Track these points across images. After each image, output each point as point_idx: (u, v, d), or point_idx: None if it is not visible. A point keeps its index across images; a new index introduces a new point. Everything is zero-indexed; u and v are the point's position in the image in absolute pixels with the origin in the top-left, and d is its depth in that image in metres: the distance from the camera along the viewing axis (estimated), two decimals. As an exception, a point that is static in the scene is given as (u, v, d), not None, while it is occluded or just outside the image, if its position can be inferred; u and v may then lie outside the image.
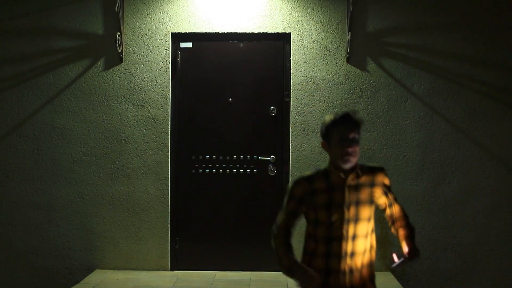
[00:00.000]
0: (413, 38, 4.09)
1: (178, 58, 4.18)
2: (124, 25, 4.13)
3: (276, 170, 4.18)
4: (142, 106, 4.14)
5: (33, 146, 4.16)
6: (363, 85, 4.10)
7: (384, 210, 2.12)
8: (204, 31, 4.13)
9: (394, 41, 4.09)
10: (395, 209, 2.12)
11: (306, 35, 4.11)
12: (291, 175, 4.11)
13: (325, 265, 1.96)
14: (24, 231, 4.17)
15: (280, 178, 4.18)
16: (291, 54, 4.12)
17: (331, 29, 4.11)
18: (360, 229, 1.96)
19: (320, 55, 4.11)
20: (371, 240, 2.03)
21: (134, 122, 4.14)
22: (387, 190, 2.07)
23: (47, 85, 4.16)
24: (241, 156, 4.20)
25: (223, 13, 4.13)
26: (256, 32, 4.13)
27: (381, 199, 2.07)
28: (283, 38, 4.16)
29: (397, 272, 4.08)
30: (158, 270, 4.12)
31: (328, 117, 1.99)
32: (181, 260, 4.19)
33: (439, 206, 4.09)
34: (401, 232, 2.11)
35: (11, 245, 4.17)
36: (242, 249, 4.19)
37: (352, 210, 1.95)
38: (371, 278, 2.05)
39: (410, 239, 2.10)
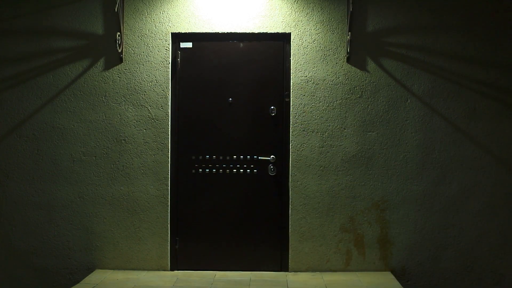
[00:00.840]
0: (413, 38, 4.09)
1: (178, 58, 4.18)
2: (124, 25, 4.13)
3: (276, 170, 4.18)
4: (142, 106, 4.14)
5: (33, 146, 4.16)
6: (363, 85, 4.11)
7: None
8: (204, 31, 4.13)
9: (394, 41, 4.10)
10: None
11: (306, 35, 4.11)
12: (291, 175, 4.11)
13: None
14: (24, 231, 4.17)
15: (280, 178, 4.18)
16: (291, 54, 4.12)
17: (331, 29, 4.11)
18: None
19: (320, 55, 4.11)
20: None
21: (134, 122, 4.14)
22: None
23: (47, 85, 4.16)
24: (241, 156, 4.21)
25: (223, 13, 4.13)
26: (256, 32, 4.13)
27: None
28: (283, 38, 4.17)
29: (397, 272, 4.08)
30: (158, 270, 4.12)
31: None
32: (181, 260, 4.19)
33: (439, 206, 4.09)
34: None
35: (11, 245, 4.17)
36: (242, 249, 4.19)
37: None
38: None
39: None
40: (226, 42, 4.20)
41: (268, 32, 4.12)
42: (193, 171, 4.21)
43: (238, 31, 4.13)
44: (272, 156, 4.18)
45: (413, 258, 4.10)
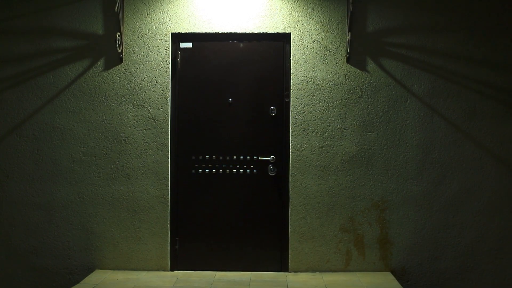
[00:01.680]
0: (413, 38, 4.09)
1: (178, 58, 4.18)
2: (124, 25, 4.13)
3: (276, 170, 4.18)
4: (142, 106, 4.14)
5: (33, 146, 4.16)
6: (363, 85, 4.10)
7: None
8: (204, 31, 4.13)
9: (394, 41, 4.10)
10: None
11: (306, 35, 4.11)
12: (291, 175, 4.11)
13: None
14: (24, 231, 4.17)
15: (280, 178, 4.18)
16: (291, 54, 4.12)
17: (331, 29, 4.11)
18: None
19: (320, 55, 4.11)
20: None
21: (134, 122, 4.14)
22: None
23: (47, 85, 4.16)
24: (241, 156, 4.21)
25: (223, 13, 4.13)
26: (256, 32, 4.13)
27: None
28: (283, 38, 4.17)
29: (397, 272, 4.08)
30: (158, 270, 4.12)
31: None
32: (181, 260, 4.19)
33: (439, 206, 4.09)
34: None
35: (11, 245, 4.17)
36: (242, 249, 4.19)
37: None
38: None
39: None
40: (226, 42, 4.20)
41: (268, 32, 4.12)
42: (193, 171, 4.21)
43: (238, 31, 4.13)
44: (272, 156, 4.18)
45: (413, 258, 4.10)
